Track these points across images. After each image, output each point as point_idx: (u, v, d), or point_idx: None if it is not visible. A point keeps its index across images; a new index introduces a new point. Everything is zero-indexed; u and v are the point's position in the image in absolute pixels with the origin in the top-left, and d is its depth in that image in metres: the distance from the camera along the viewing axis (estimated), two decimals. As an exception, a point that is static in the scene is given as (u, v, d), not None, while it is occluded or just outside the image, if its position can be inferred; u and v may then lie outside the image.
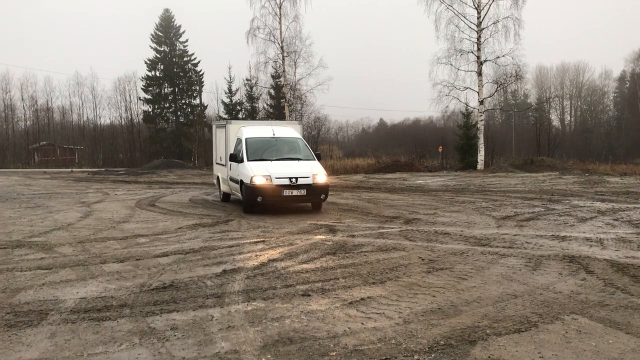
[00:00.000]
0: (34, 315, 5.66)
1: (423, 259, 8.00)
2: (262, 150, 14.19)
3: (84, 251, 9.00)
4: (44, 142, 65.76)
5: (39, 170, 48.65)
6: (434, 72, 52.90)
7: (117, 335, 5.03)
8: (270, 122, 17.01)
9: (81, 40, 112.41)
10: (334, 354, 4.51)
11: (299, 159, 14.05)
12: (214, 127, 19.39)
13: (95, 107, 75.31)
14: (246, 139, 14.46)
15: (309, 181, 13.15)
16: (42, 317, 5.58)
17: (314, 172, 13.37)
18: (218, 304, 5.95)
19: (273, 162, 13.72)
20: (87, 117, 70.88)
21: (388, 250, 8.62)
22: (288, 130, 15.42)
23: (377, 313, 5.55)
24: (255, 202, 13.17)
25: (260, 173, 13.12)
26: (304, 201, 13.64)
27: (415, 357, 4.42)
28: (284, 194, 12.99)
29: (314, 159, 14.22)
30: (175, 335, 5.01)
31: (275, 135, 14.77)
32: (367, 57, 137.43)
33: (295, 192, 13.03)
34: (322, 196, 13.44)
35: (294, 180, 13.02)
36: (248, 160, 13.78)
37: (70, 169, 50.00)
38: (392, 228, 10.82)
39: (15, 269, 7.73)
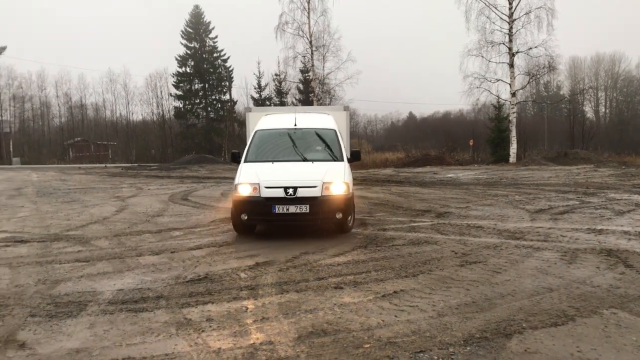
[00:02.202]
0: (73, 306, 5.81)
1: (456, 253, 7.94)
2: (270, 147, 10.59)
3: (119, 244, 9.18)
4: (79, 138, 67.13)
5: (73, 165, 49.73)
6: (464, 64, 52.20)
7: (154, 326, 5.13)
8: (304, 108, 13.45)
9: (114, 38, 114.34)
10: (368, 346, 4.52)
11: (316, 160, 9.95)
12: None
13: (128, 104, 76.63)
14: (255, 132, 11.04)
15: (315, 192, 9.02)
16: (82, 308, 5.72)
17: (327, 178, 9.19)
18: (252, 296, 6.02)
19: (277, 163, 9.85)
20: (120, 113, 72.19)
21: (420, 244, 8.58)
22: (318, 119, 11.42)
23: (411, 306, 5.54)
24: (241, 222, 9.48)
25: (247, 180, 9.32)
26: (308, 222, 9.41)
27: (450, 349, 4.40)
28: (276, 211, 8.97)
29: (341, 160, 10.07)
30: (210, 327, 5.09)
31: (297, 126, 10.84)
32: (396, 50, 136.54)
33: (292, 209, 8.95)
34: (339, 215, 9.16)
35: (290, 191, 8.97)
36: (245, 160, 10.21)
37: (104, 165, 50.98)
38: (424, 222, 10.76)
39: (54, 262, 7.93)
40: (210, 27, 61.25)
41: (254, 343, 4.64)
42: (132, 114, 71.48)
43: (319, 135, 10.73)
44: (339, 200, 9.17)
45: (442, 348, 4.43)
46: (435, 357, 4.25)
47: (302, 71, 47.06)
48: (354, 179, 12.26)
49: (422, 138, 59.93)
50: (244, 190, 9.23)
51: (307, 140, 10.63)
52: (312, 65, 40.43)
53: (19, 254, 8.50)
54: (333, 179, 9.26)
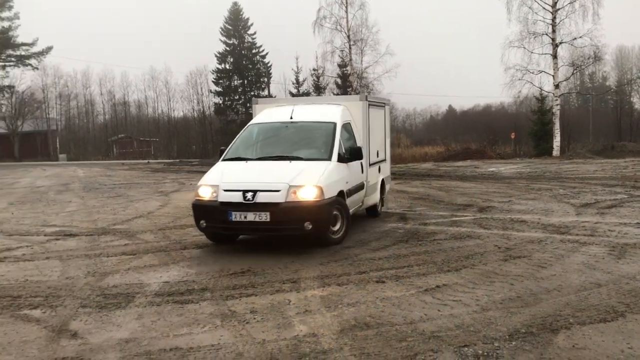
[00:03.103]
0: (121, 297, 5.98)
1: (499, 247, 7.83)
2: (255, 143, 9.40)
3: (164, 238, 9.39)
4: (122, 135, 68.66)
5: (117, 161, 50.95)
6: (505, 56, 50.77)
7: (200, 318, 5.24)
8: (313, 99, 11.49)
9: (155, 36, 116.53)
10: (411, 339, 4.51)
11: (297, 159, 8.56)
12: None
13: (169, 101, 77.83)
14: (248, 126, 9.80)
15: (277, 198, 7.65)
16: (130, 300, 5.89)
17: (297, 181, 7.77)
18: (294, 289, 6.08)
19: (253, 162, 8.72)
20: (162, 110, 73.41)
21: (462, 238, 8.49)
22: (320, 111, 9.79)
23: (454, 300, 5.50)
24: (203, 230, 8.35)
25: (209, 181, 8.28)
26: (270, 232, 7.98)
27: (495, 344, 4.35)
28: (233, 219, 7.71)
29: (328, 159, 8.48)
30: (255, 318, 5.16)
31: (293, 119, 9.36)
32: (435, 42, 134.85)
33: (250, 217, 7.63)
34: (308, 225, 7.63)
35: (249, 195, 7.66)
36: (224, 157, 9.15)
37: (146, 160, 52.05)
38: (466, 216, 10.63)
39: (102, 255, 8.17)
40: (249, 24, 61.69)
41: (297, 335, 4.69)
42: (174, 110, 72.53)
43: (314, 130, 9.28)
44: (308, 208, 7.65)
45: (486, 342, 4.39)
46: (480, 352, 4.22)
47: (340, 66, 46.90)
48: (392, 174, 12.09)
49: (462, 131, 59.10)
50: (205, 192, 8.13)
51: (298, 135, 9.32)
52: (350, 60, 40.32)
53: (68, 247, 8.79)
54: (305, 181, 7.79)
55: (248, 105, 62.50)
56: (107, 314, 5.47)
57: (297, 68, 56.87)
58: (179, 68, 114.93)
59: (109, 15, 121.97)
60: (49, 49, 53.86)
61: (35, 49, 53.32)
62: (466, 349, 4.28)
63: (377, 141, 10.78)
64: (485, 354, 4.18)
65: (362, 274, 6.60)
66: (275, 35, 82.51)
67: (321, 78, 53.63)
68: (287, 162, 8.47)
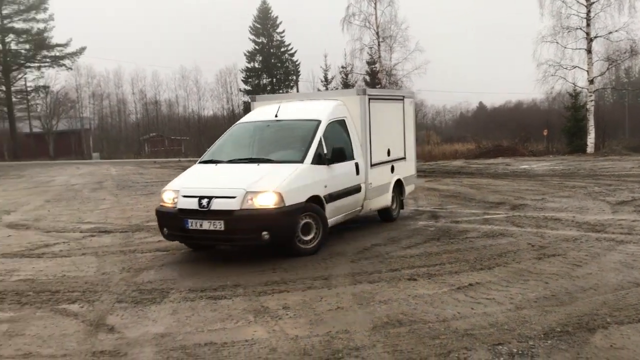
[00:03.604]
0: (156, 293, 6.09)
1: (533, 245, 7.72)
2: (235, 144, 8.93)
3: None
4: (153, 134, 69.64)
5: (149, 160, 51.68)
6: (538, 51, 49.96)
7: (234, 313, 5.31)
8: (309, 95, 11.51)
9: (185, 35, 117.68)
10: (444, 337, 4.49)
11: (267, 161, 7.96)
12: None
13: (199, 99, 78.58)
14: (234, 125, 9.59)
15: (232, 205, 7.07)
16: (164, 295, 5.99)
17: (257, 186, 7.18)
18: (325, 286, 6.10)
19: (223, 165, 8.21)
20: (192, 109, 74.20)
21: (495, 237, 8.40)
22: (308, 109, 9.07)
23: (487, 298, 5.45)
24: (165, 237, 7.92)
25: (173, 186, 7.90)
26: (226, 242, 7.76)
27: (530, 342, 4.31)
28: (189, 227, 7.25)
29: (300, 161, 7.77)
30: (287, 314, 5.20)
31: (278, 117, 8.74)
32: (465, 38, 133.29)
33: (206, 225, 7.14)
34: (266, 235, 7.03)
35: (205, 202, 7.17)
36: (201, 160, 8.79)
37: (177, 159, 52.69)
38: (498, 214, 10.50)
39: (136, 251, 8.32)
40: (278, 22, 61.94)
41: (330, 331, 4.71)
42: (204, 109, 73.27)
43: (296, 129, 8.61)
44: (265, 216, 7.05)
45: (521, 341, 4.34)
46: (515, 350, 4.18)
47: (368, 63, 46.70)
48: (419, 171, 11.69)
49: (493, 128, 58.30)
50: (167, 198, 7.75)
51: (277, 135, 8.74)
52: (379, 57, 40.13)
53: (103, 244, 8.98)
54: (263, 187, 7.15)
55: (277, 103, 62.82)
56: (143, 309, 5.58)
57: (326, 66, 56.78)
58: (209, 67, 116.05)
59: (140, 15, 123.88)
60: (83, 49, 54.87)
61: (69, 50, 54.39)
62: (500, 347, 4.24)
63: (386, 138, 9.83)
64: (520, 352, 4.14)
65: (394, 272, 6.58)
66: (303, 33, 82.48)
67: (350, 75, 53.53)
68: (255, 165, 7.88)
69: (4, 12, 51.48)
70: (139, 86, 72.22)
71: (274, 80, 62.58)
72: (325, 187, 7.89)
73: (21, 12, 52.30)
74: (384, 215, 10.04)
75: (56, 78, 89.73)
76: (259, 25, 61.79)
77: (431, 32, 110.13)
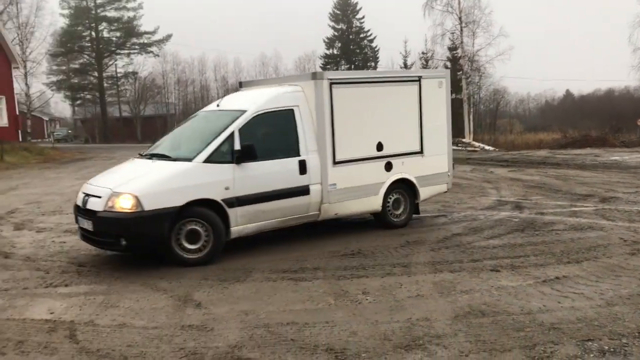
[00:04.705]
0: (240, 272, 6.29)
1: (625, 240, 7.33)
2: (169, 137, 8.35)
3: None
4: (234, 119, 71.46)
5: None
6: (634, 35, 47.08)
7: (314, 295, 5.40)
8: (268, 81, 10.03)
9: (266, 22, 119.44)
10: (529, 330, 4.37)
11: (167, 157, 7.35)
12: None
13: (279, 86, 79.70)
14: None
15: (98, 205, 6.64)
16: (247, 275, 6.18)
17: (125, 187, 6.64)
18: (405, 273, 6.08)
19: (136, 160, 7.78)
20: (271, 95, 75.45)
21: (583, 230, 8.03)
22: (251, 96, 8.10)
23: (575, 293, 5.24)
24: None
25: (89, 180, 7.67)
26: (93, 244, 7.03)
27: (623, 340, 4.11)
28: (80, 224, 7.07)
29: (190, 160, 6.92)
30: (367, 299, 5.24)
31: (219, 108, 8.05)
32: (551, 22, 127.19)
33: (82, 224, 6.91)
34: (123, 241, 6.46)
35: (85, 200, 6.90)
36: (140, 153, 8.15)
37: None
38: (586, 206, 10.03)
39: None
40: (358, 8, 61.61)
41: (410, 318, 4.70)
42: (283, 95, 74.23)
43: (214, 121, 7.75)
44: (120, 221, 6.42)
45: (613, 338, 4.16)
46: (606, 347, 4.00)
47: (450, 49, 45.61)
48: (501, 161, 11.03)
49: (581, 118, 55.49)
50: (79, 193, 7.41)
51: (198, 128, 7.98)
52: (461, 42, 39.14)
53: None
54: (126, 189, 6.57)
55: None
56: (227, 286, 5.78)
57: (405, 52, 56.03)
58: (288, 54, 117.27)
59: (222, 3, 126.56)
60: (169, 36, 56.89)
61: (156, 37, 56.59)
62: (590, 343, 4.08)
63: (378, 130, 8.26)
64: (611, 349, 3.97)
65: (476, 262, 6.45)
66: (383, 19, 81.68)
67: (430, 61, 52.59)
68: (150, 162, 7.41)
69: (98, 1, 54.22)
70: (221, 73, 74.17)
71: (352, 66, 62.38)
72: (227, 189, 6.86)
73: (113, 1, 54.90)
74: (380, 221, 8.52)
75: (144, 64, 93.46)
76: (338, 12, 61.70)
77: (516, 16, 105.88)
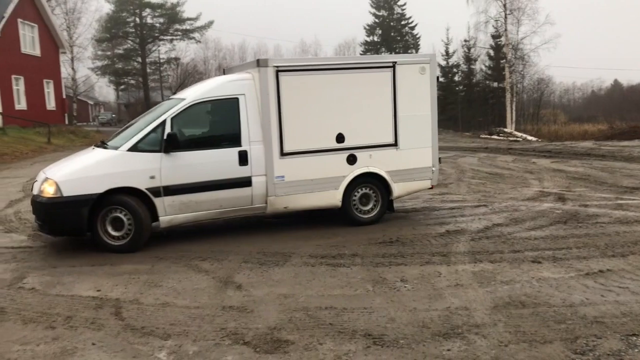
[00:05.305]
0: (279, 256, 6.38)
1: (674, 235, 7.11)
2: (130, 126, 7.93)
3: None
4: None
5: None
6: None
7: (352, 281, 5.43)
8: (232, 68, 9.16)
9: (306, 10, 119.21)
10: (571, 322, 4.31)
11: (106, 146, 7.39)
12: None
13: (318, 73, 79.47)
14: None
15: (35, 189, 7.07)
16: (286, 259, 6.26)
17: (50, 173, 6.98)
18: (444, 262, 6.05)
19: (96, 149, 7.61)
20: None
21: (629, 223, 7.82)
22: (200, 85, 8.14)
23: (620, 287, 5.13)
24: None
25: None
26: (42, 231, 7.09)
27: (670, 337, 4.01)
28: None
29: (115, 148, 7.06)
30: (405, 287, 5.24)
31: (175, 96, 8.17)
32: (599, 9, 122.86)
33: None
34: (45, 225, 6.82)
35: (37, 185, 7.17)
36: None
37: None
38: (633, 199, 9.75)
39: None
40: (400, -5, 60.87)
41: (449, 307, 4.69)
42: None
43: (157, 110, 7.77)
44: (42, 205, 6.68)
45: (659, 334, 4.06)
46: (652, 343, 3.92)
47: (493, 36, 44.70)
48: (544, 152, 10.88)
49: (630, 108, 53.71)
50: None
51: (148, 116, 7.78)
52: (505, 30, 38.35)
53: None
54: (54, 176, 6.78)
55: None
56: (267, 270, 5.87)
57: (447, 39, 55.19)
58: (328, 41, 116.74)
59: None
60: (211, 23, 57.38)
61: (198, 24, 57.17)
62: (635, 338, 4.00)
63: (338, 120, 7.73)
64: (657, 346, 3.88)
65: (516, 253, 6.37)
66: (425, 5, 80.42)
67: (472, 49, 51.69)
68: (91, 149, 7.61)
69: (142, -12, 55.05)
70: (261, 59, 74.40)
71: (393, 53, 61.81)
72: (153, 178, 6.79)
73: (156, -13, 55.66)
74: (344, 217, 8.00)
75: (186, 50, 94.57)
76: (380, -2, 61.09)
77: (563, 2, 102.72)
